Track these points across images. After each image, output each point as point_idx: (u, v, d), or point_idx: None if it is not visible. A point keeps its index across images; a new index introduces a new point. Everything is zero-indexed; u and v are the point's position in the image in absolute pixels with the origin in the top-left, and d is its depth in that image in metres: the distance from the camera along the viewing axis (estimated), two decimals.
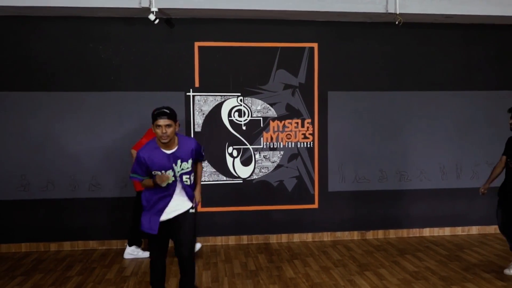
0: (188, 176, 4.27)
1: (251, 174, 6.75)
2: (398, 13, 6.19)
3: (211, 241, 6.70)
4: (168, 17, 6.37)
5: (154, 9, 5.84)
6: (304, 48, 6.76)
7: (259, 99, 6.70)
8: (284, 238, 6.85)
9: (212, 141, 6.60)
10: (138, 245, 6.14)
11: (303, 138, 6.81)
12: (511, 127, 5.23)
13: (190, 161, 4.25)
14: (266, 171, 6.77)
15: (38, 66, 6.35)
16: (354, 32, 6.80)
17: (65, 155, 6.42)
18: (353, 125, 6.89)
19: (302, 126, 6.80)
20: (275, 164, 6.78)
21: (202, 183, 6.28)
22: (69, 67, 6.40)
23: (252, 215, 6.78)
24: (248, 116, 6.70)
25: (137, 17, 6.31)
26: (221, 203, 6.68)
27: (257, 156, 6.74)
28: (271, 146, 6.76)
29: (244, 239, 6.77)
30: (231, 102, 6.66)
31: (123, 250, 6.29)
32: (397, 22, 6.26)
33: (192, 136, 6.57)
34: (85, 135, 6.45)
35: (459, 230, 7.16)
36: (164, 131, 4.00)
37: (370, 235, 7.00)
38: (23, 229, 6.42)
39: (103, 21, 6.40)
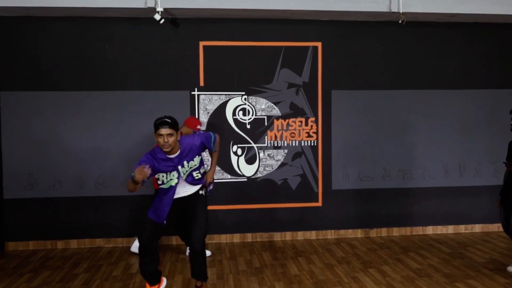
0: (197, 171, 4.39)
1: (256, 173, 6.81)
2: (401, 12, 6.22)
3: (216, 239, 6.76)
4: (173, 17, 6.43)
5: (159, 9, 5.89)
6: (308, 47, 6.81)
7: (263, 98, 6.76)
8: (288, 236, 6.90)
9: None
10: None
11: (307, 137, 6.87)
12: None
13: (197, 158, 4.33)
14: (270, 169, 6.82)
15: (45, 66, 6.43)
16: (358, 31, 6.85)
17: (71, 154, 6.49)
18: (356, 123, 6.93)
19: (306, 124, 6.85)
20: (279, 163, 6.84)
21: None
22: (76, 67, 6.47)
23: (257, 213, 6.84)
24: (252, 115, 6.76)
25: (143, 17, 6.37)
26: (226, 201, 6.73)
27: (261, 154, 6.80)
28: (275, 145, 6.82)
29: (249, 237, 6.83)
30: (235, 101, 6.72)
31: (130, 248, 6.36)
32: (400, 21, 6.29)
33: None
34: (92, 134, 6.52)
35: (462, 228, 7.20)
36: (166, 140, 4.10)
37: (373, 233, 7.04)
38: (30, 227, 6.50)
39: (109, 21, 6.46)
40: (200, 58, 6.63)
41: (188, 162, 4.28)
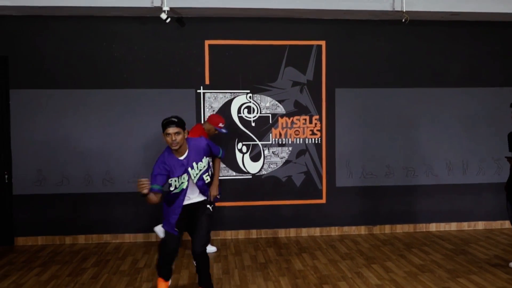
0: (207, 174, 4.48)
1: (260, 170, 6.89)
2: (404, 11, 6.28)
3: (221, 235, 6.85)
4: (179, 16, 6.51)
5: (165, 8, 5.98)
6: (312, 46, 6.88)
7: (268, 96, 6.84)
8: (292, 232, 6.98)
9: (222, 137, 6.73)
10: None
11: (311, 134, 6.94)
12: None
13: (205, 159, 4.42)
14: (275, 166, 6.91)
15: (53, 64, 6.54)
16: (361, 30, 6.92)
17: (79, 151, 6.60)
18: (360, 121, 7.00)
19: (310, 122, 6.93)
20: (283, 160, 6.91)
21: None
22: (83, 65, 6.57)
23: (261, 210, 6.92)
24: (257, 113, 6.84)
25: (149, 16, 6.47)
26: (231, 198, 6.81)
27: (266, 152, 6.88)
28: (280, 142, 6.90)
29: (253, 233, 6.92)
30: (240, 99, 6.81)
31: (136, 243, 6.49)
32: (403, 20, 6.35)
33: None
34: (99, 132, 6.62)
35: (465, 225, 7.26)
36: (173, 138, 4.21)
37: (377, 229, 7.11)
38: (39, 223, 6.61)
39: (116, 20, 6.56)
40: (206, 56, 6.72)
41: (197, 163, 4.37)
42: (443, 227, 7.21)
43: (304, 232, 6.99)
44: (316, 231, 7.01)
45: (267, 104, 6.84)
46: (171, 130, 4.20)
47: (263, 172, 6.90)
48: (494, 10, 6.53)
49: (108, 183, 6.66)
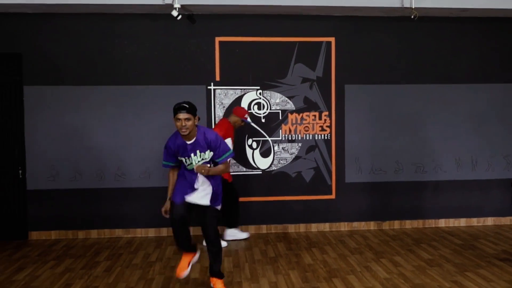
0: (208, 165, 4.52)
1: (270, 166, 6.95)
2: (413, 7, 6.30)
3: None
4: (190, 13, 6.58)
5: (177, 5, 6.05)
6: (321, 42, 6.93)
7: (278, 92, 6.90)
8: (302, 227, 7.04)
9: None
10: (236, 226, 6.56)
11: (320, 130, 6.99)
12: None
13: (208, 152, 4.47)
14: (285, 162, 6.97)
15: (67, 61, 6.64)
16: (370, 27, 6.95)
17: (92, 147, 6.70)
18: (369, 117, 7.04)
19: (320, 118, 6.98)
20: (293, 156, 6.97)
21: None
22: (96, 62, 6.67)
23: (271, 205, 6.98)
24: (267, 109, 6.90)
25: (161, 13, 6.54)
26: (241, 193, 6.84)
27: (276, 148, 6.94)
28: (290, 138, 6.95)
29: (263, 228, 6.98)
30: (250, 95, 6.87)
31: (148, 238, 6.58)
32: (412, 16, 6.37)
33: (213, 128, 6.77)
34: (111, 128, 6.72)
35: (474, 221, 7.27)
36: (183, 124, 4.28)
37: (386, 225, 7.15)
38: (52, 218, 6.72)
39: (128, 17, 6.65)
40: (216, 53, 6.79)
41: (200, 153, 4.44)
42: (452, 223, 7.24)
43: (314, 227, 7.05)
44: (325, 227, 7.07)
45: (277, 101, 6.90)
46: (182, 115, 4.28)
47: (273, 168, 6.96)
48: (503, 6, 6.54)
49: (120, 178, 6.75)
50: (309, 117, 6.96)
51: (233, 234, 6.53)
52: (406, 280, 4.97)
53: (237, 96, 6.84)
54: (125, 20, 6.66)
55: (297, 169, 6.99)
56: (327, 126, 6.99)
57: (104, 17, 6.63)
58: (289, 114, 6.93)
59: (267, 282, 4.99)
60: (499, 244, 6.24)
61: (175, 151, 4.46)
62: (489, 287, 4.77)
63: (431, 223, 7.21)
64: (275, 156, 6.95)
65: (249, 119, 6.53)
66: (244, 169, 6.92)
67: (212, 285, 4.69)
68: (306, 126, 6.96)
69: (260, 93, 6.88)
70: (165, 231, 6.76)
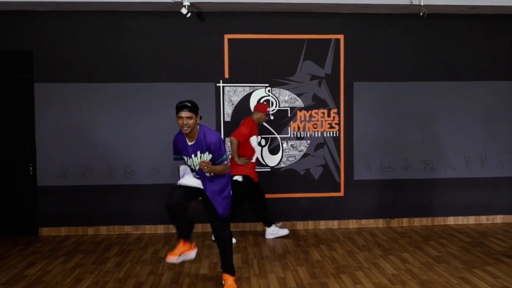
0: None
1: (279, 163, 6.98)
2: (422, 4, 6.29)
3: (240, 227, 6.95)
4: (199, 11, 6.60)
5: (186, 3, 6.07)
6: (330, 39, 6.94)
7: (287, 89, 6.91)
8: (310, 225, 7.06)
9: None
10: (275, 223, 6.60)
11: (329, 128, 7.00)
12: None
13: (207, 153, 4.48)
14: (293, 159, 6.98)
15: (77, 58, 6.69)
16: (379, 24, 6.95)
17: (101, 144, 6.75)
18: (378, 115, 7.04)
19: (328, 116, 6.99)
20: (302, 153, 6.99)
21: None
22: (105, 59, 6.72)
23: (280, 202, 7.00)
24: (276, 106, 6.92)
25: (170, 11, 6.57)
26: None
27: (284, 145, 6.96)
28: (298, 136, 6.97)
29: None
30: (259, 92, 6.89)
31: (157, 234, 6.63)
32: (421, 14, 6.35)
33: (222, 125, 6.82)
34: (120, 125, 6.77)
35: (483, 219, 7.25)
36: (185, 122, 4.34)
37: (395, 222, 7.15)
38: (62, 214, 6.78)
39: (137, 15, 6.69)
40: (225, 50, 6.82)
41: (201, 154, 4.46)
42: (461, 220, 7.22)
43: (322, 224, 7.06)
44: (334, 224, 7.08)
45: (285, 98, 6.92)
46: (184, 114, 4.34)
47: (282, 165, 6.98)
48: None
49: (130, 175, 6.80)
50: (317, 114, 6.97)
51: (274, 232, 6.56)
52: (414, 276, 4.98)
53: (246, 93, 6.87)
54: (135, 17, 6.71)
55: (306, 166, 7.00)
56: (335, 124, 7.00)
57: (113, 14, 6.68)
58: (298, 112, 6.95)
59: (275, 277, 5.01)
60: (507, 241, 6.22)
61: (179, 148, 4.56)
62: (496, 283, 4.77)
63: (439, 220, 7.20)
64: (283, 153, 6.97)
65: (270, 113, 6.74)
66: None
67: (223, 281, 4.72)
68: (315, 124, 6.98)
69: (269, 90, 6.90)
70: (174, 228, 6.78)
